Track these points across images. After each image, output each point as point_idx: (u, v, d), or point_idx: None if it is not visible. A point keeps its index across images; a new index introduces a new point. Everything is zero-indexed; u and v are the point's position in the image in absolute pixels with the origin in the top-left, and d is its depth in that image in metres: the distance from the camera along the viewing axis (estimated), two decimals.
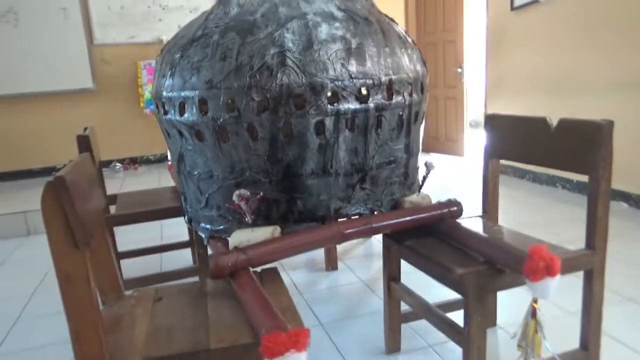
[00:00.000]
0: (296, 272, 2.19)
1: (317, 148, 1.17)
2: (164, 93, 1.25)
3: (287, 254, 1.15)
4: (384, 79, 1.19)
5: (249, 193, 1.16)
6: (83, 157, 1.04)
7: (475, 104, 5.37)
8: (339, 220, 1.24)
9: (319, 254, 2.28)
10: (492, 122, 1.45)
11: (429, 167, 1.29)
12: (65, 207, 0.78)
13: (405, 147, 1.31)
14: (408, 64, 1.27)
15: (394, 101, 1.22)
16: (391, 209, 1.32)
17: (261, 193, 1.17)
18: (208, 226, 1.32)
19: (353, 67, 1.15)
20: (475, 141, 5.04)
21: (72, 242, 0.80)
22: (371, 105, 1.18)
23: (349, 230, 1.19)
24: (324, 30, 1.15)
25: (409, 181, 1.37)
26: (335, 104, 1.14)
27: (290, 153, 1.16)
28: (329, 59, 1.13)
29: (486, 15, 3.97)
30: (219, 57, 1.15)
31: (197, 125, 1.19)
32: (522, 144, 1.34)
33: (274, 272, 1.17)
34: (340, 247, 2.33)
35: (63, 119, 4.36)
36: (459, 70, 4.78)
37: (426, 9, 5.15)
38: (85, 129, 2.11)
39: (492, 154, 1.45)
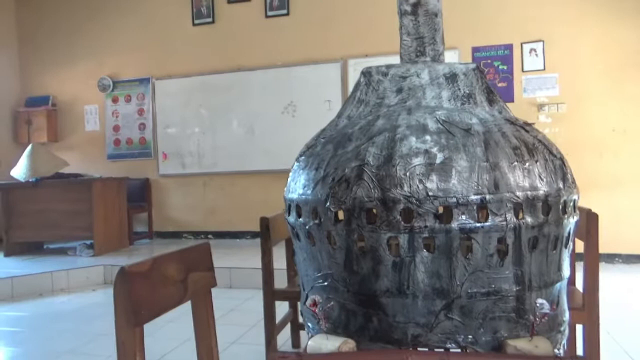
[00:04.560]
0: None
1: (392, 265, 1.10)
2: (284, 193, 1.40)
3: None
4: (472, 197, 1.04)
5: (322, 300, 1.17)
6: (193, 247, 1.26)
7: None
8: (417, 349, 1.10)
9: None
10: None
11: (538, 309, 1.03)
12: (129, 292, 0.98)
13: (515, 277, 1.09)
14: (520, 180, 1.07)
15: (488, 223, 1.05)
16: (492, 349, 1.10)
17: (332, 302, 1.16)
18: (309, 323, 1.36)
19: (433, 183, 1.05)
20: None
21: (132, 321, 0.99)
22: (454, 225, 1.05)
23: None
24: (408, 144, 1.10)
25: (526, 320, 1.11)
26: (410, 222, 1.06)
27: (365, 266, 1.13)
28: (405, 174, 1.07)
29: None
30: (314, 167, 1.23)
31: (295, 227, 1.29)
32: None
33: None
34: None
35: None
36: None
37: None
38: None
39: None
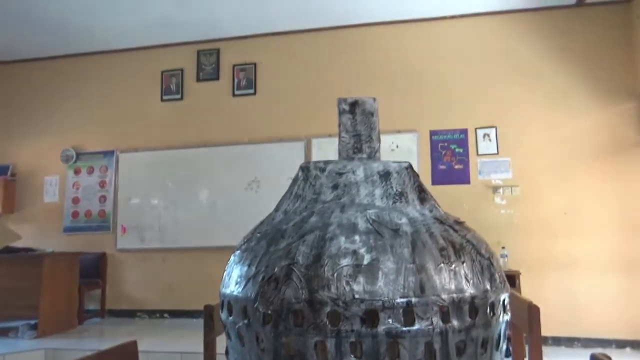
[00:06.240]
0: None
1: None
2: (220, 287, 1.37)
3: None
4: (399, 300, 1.04)
5: None
6: (117, 348, 1.20)
7: None
8: None
9: None
10: None
11: None
12: None
13: None
14: (446, 282, 1.08)
15: (415, 327, 1.04)
16: None
17: None
18: None
19: (360, 285, 1.05)
20: None
21: None
22: (381, 330, 1.03)
23: None
24: (337, 244, 1.11)
25: None
26: (337, 325, 1.04)
27: None
28: (333, 275, 1.06)
29: None
30: (247, 262, 1.22)
31: (227, 325, 1.24)
32: None
33: None
34: None
35: None
36: None
37: None
38: None
39: None
